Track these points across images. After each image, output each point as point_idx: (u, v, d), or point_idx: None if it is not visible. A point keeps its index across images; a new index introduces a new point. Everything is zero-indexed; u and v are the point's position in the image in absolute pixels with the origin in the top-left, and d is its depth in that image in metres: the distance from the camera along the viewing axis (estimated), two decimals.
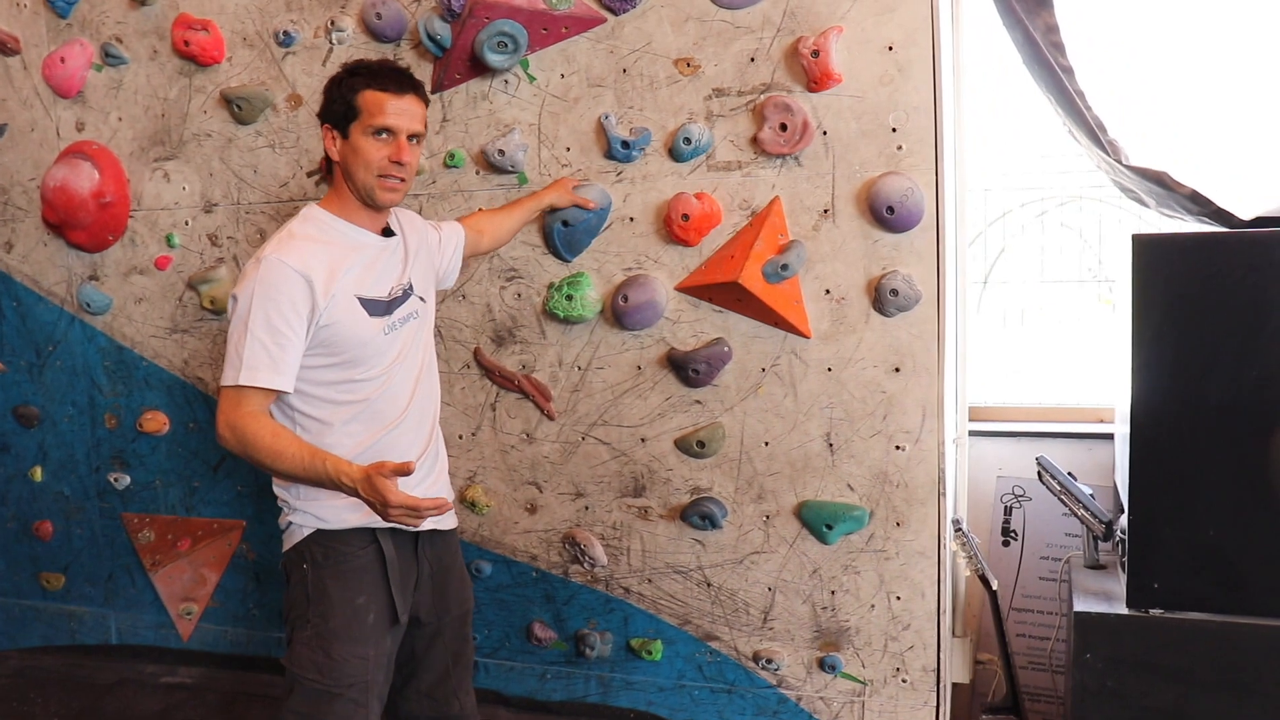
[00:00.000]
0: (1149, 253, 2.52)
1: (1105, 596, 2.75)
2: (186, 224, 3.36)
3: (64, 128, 3.48)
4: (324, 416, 2.21)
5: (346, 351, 2.18)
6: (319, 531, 2.24)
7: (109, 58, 3.35)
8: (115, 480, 3.64)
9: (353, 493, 1.98)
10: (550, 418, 3.01)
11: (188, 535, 3.59)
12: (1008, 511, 3.33)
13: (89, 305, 3.52)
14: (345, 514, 2.21)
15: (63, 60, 3.39)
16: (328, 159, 2.26)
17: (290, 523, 2.27)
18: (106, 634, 3.81)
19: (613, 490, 3.00)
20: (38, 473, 3.77)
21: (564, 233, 2.86)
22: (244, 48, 3.19)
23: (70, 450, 3.70)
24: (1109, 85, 3.07)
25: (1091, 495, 2.94)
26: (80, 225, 3.41)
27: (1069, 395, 3.55)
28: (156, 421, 3.52)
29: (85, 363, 3.61)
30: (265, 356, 2.07)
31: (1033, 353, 3.77)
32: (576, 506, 3.05)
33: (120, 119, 3.39)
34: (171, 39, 3.24)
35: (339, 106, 2.20)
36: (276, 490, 2.30)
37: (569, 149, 2.87)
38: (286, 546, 2.29)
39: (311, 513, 2.23)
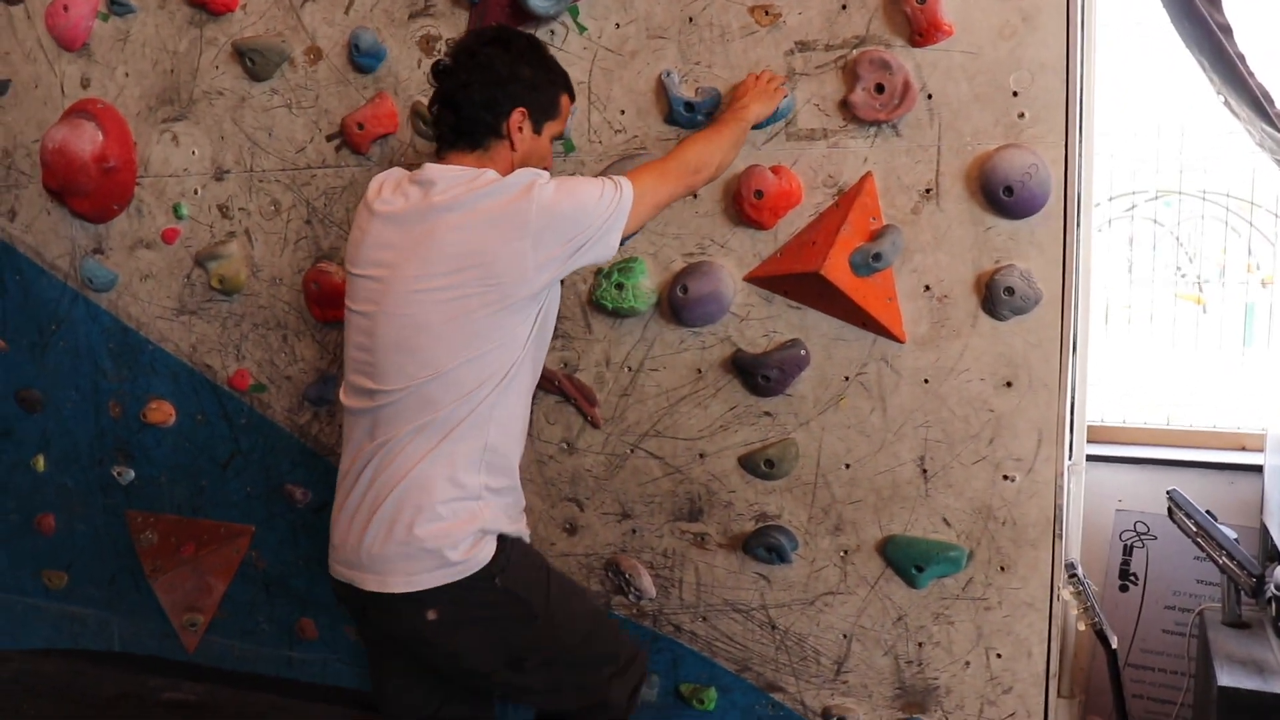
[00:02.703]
0: None
1: (1257, 668, 2.41)
2: (196, 193, 3.10)
3: (69, 84, 3.25)
4: (523, 388, 2.14)
5: (547, 306, 2.15)
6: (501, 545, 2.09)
7: (115, 5, 3.09)
8: (119, 474, 3.42)
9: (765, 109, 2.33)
10: (595, 425, 2.72)
11: (192, 539, 3.37)
12: (1128, 551, 2.99)
13: (92, 281, 3.28)
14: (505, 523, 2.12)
15: (66, 8, 3.14)
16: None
17: (450, 560, 2.01)
18: (110, 640, 3.62)
19: (665, 512, 2.70)
20: (40, 462, 3.58)
21: None
22: None
23: (73, 439, 3.49)
24: (1272, 49, 2.67)
25: (1236, 539, 2.55)
26: (82, 192, 3.16)
27: (1198, 415, 3.18)
28: (162, 412, 3.29)
29: (89, 344, 3.38)
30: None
31: (1129, 359, 3.43)
32: (622, 529, 2.76)
33: (127, 75, 3.14)
34: None
35: (546, 98, 2.17)
36: (434, 541, 2.00)
37: (623, 112, 2.57)
38: (446, 583, 2.01)
39: (491, 530, 2.07)
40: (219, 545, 3.33)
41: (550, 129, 2.19)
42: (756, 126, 2.38)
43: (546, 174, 2.05)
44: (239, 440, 3.19)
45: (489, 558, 2.03)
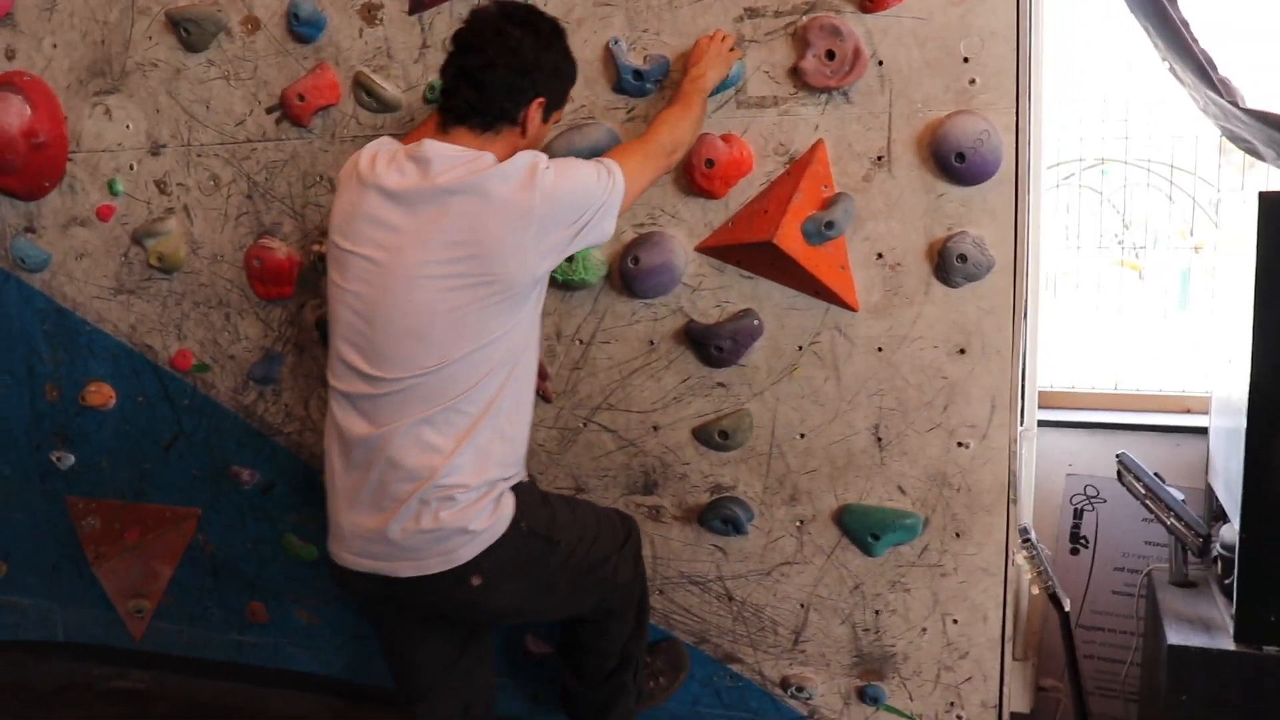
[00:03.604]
0: (1279, 214, 2.17)
1: (1203, 626, 2.44)
2: (131, 168, 3.00)
3: None
4: (531, 371, 2.18)
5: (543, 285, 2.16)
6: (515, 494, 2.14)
7: None
8: (58, 460, 3.32)
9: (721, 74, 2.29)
10: (547, 399, 2.68)
11: (136, 524, 3.28)
12: (1078, 515, 3.02)
13: (24, 261, 3.17)
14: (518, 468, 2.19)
15: None
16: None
17: (479, 532, 2.06)
18: (52, 630, 3.52)
19: (619, 486, 2.67)
20: None
21: None
22: None
23: (8, 425, 3.37)
24: (1215, 16, 2.68)
25: (1183, 500, 2.59)
26: (10, 169, 3.04)
27: (1145, 379, 3.21)
28: (101, 394, 3.19)
29: (22, 326, 3.26)
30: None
31: (1075, 325, 3.46)
32: None
33: (55, 46, 3.02)
34: None
35: (563, 89, 2.20)
36: (463, 519, 2.03)
37: None
38: (484, 548, 2.06)
39: (506, 489, 2.12)
40: (164, 529, 3.25)
41: (554, 117, 2.20)
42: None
43: (545, 156, 2.03)
44: (182, 422, 3.11)
45: (511, 512, 2.09)
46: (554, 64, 2.11)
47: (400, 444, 2.01)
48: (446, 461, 2.00)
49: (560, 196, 1.98)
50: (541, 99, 2.09)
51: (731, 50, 2.33)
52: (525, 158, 2.00)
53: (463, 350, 1.98)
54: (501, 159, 2.02)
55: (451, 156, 1.99)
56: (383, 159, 2.06)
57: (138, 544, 3.28)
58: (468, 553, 2.04)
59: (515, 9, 2.12)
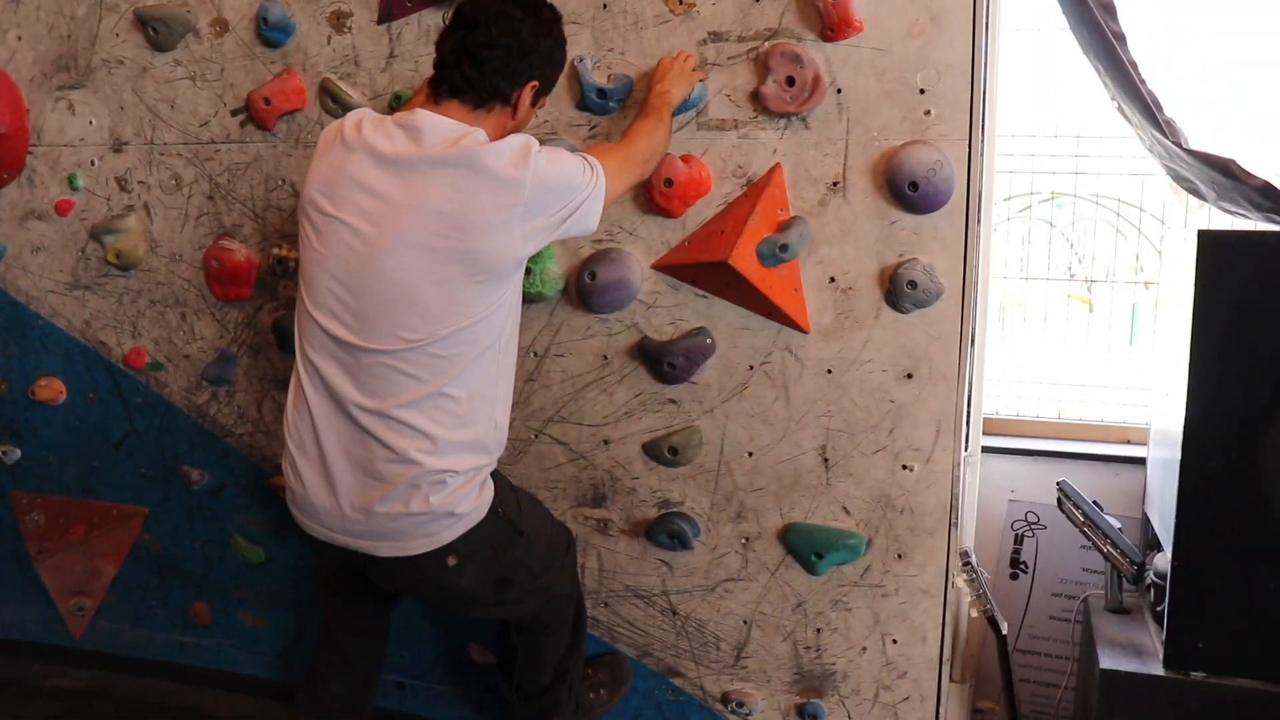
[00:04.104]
0: (1217, 252, 2.25)
1: (1135, 651, 2.48)
2: (93, 164, 2.97)
3: None
4: (514, 353, 2.20)
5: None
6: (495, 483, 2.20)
7: None
8: (4, 453, 3.27)
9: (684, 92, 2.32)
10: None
11: (82, 521, 3.24)
12: (1019, 540, 3.05)
13: None
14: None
15: None
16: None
17: (463, 514, 2.10)
18: None
19: (568, 498, 2.68)
20: None
21: None
22: None
23: None
24: (1163, 58, 2.75)
25: (1120, 529, 2.64)
26: None
27: (1087, 409, 3.27)
28: (52, 389, 3.16)
29: None
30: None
31: (1023, 355, 3.51)
32: None
33: (20, 38, 2.99)
34: None
35: (555, 75, 2.20)
36: (449, 503, 2.06)
37: None
38: (464, 531, 2.10)
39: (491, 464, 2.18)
40: (110, 527, 3.22)
41: (541, 102, 2.23)
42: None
43: (536, 141, 2.03)
44: (133, 420, 3.08)
45: (491, 496, 2.14)
46: (550, 49, 2.12)
47: (392, 426, 2.00)
48: (439, 448, 2.01)
49: (550, 182, 1.99)
50: (535, 82, 2.09)
51: (694, 70, 2.36)
52: (518, 139, 2.00)
53: (449, 326, 1.97)
54: (492, 138, 2.02)
55: (445, 128, 1.99)
56: (369, 124, 2.04)
57: (82, 541, 3.24)
58: (450, 535, 2.06)
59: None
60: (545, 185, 1.98)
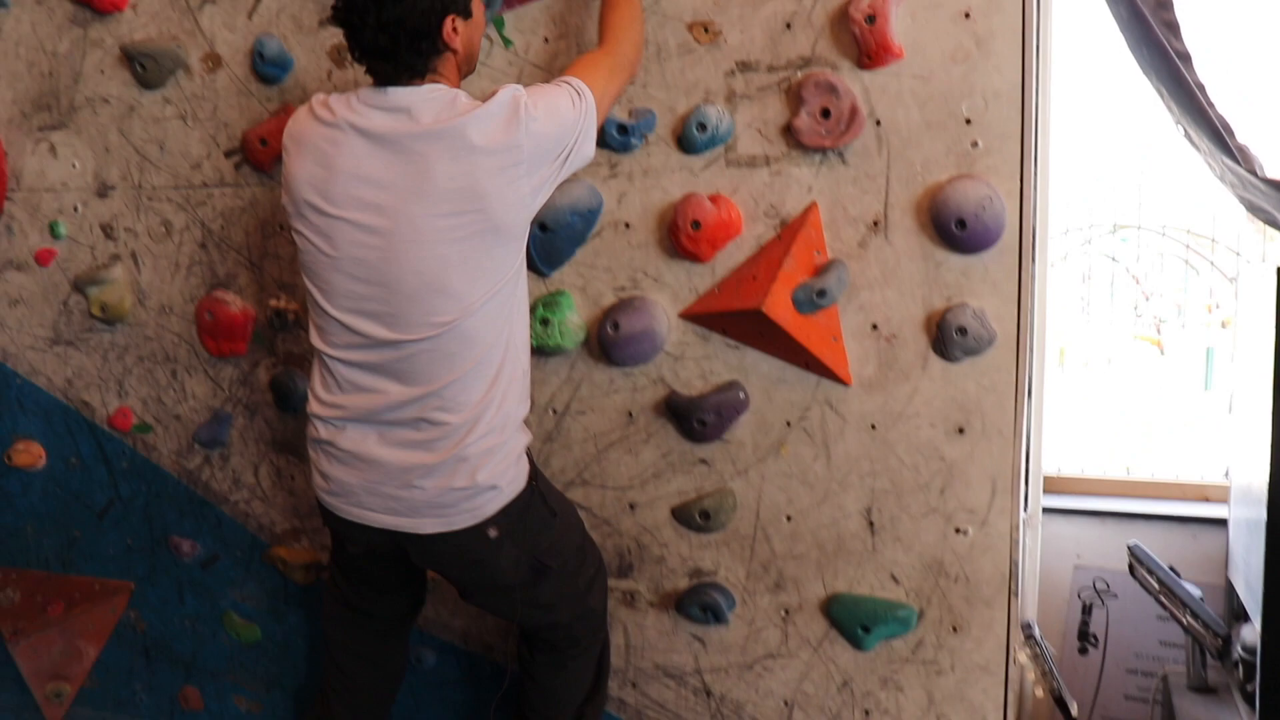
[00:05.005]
0: None
1: None
2: (76, 210, 3.06)
3: None
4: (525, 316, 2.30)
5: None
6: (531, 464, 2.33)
7: None
8: None
9: None
10: None
11: (61, 597, 3.29)
12: (1087, 610, 3.03)
13: None
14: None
15: None
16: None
17: (505, 488, 2.24)
18: None
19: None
20: None
21: (541, 239, 2.58)
22: None
23: None
24: (1234, 79, 2.78)
25: (1200, 598, 2.62)
26: None
27: (1160, 464, 3.26)
28: (30, 454, 3.23)
29: None
30: None
31: (1086, 404, 3.51)
32: None
33: None
34: None
35: None
36: (494, 475, 2.20)
37: None
38: (505, 504, 2.24)
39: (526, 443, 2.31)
40: (92, 604, 3.27)
41: (476, 4, 2.23)
42: None
43: (523, 91, 2.10)
44: (119, 486, 3.14)
45: (527, 470, 2.30)
46: None
47: (438, 405, 2.14)
48: (483, 419, 2.15)
49: (545, 132, 2.09)
50: (450, 14, 2.12)
51: None
52: (504, 95, 2.08)
53: (480, 299, 2.10)
54: (454, 83, 2.16)
55: (428, 98, 2.08)
56: (338, 103, 2.13)
57: (61, 619, 3.29)
58: (493, 507, 2.21)
59: None
60: (542, 137, 2.09)
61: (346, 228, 2.10)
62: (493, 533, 2.22)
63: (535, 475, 2.33)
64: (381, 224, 2.07)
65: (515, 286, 2.20)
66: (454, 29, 2.13)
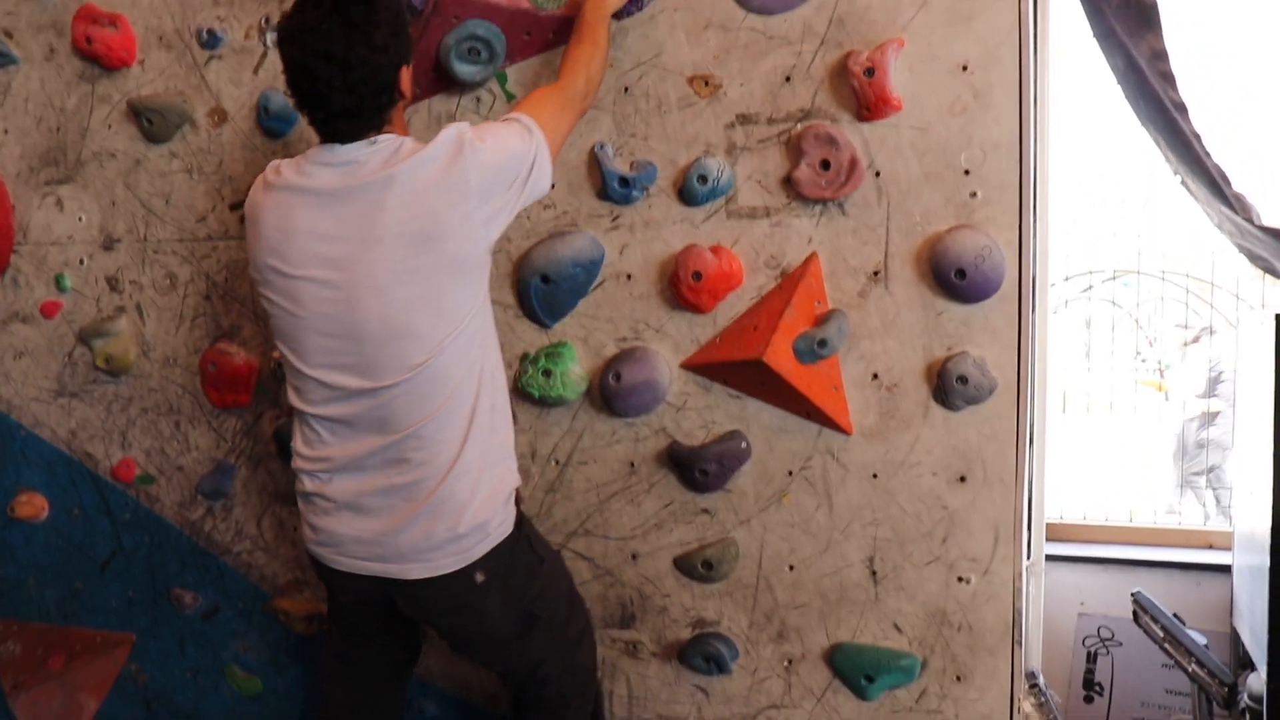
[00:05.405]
0: None
1: None
2: (81, 263, 3.08)
3: None
4: (494, 330, 2.32)
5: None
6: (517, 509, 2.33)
7: None
8: None
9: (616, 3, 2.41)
10: None
11: (62, 650, 3.28)
12: (1091, 658, 3.03)
13: None
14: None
15: None
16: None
17: (492, 530, 2.24)
18: None
19: (594, 619, 2.69)
20: None
21: (543, 291, 2.61)
22: (159, 49, 2.92)
23: None
24: (1228, 127, 2.82)
25: (1206, 645, 2.61)
26: None
27: (1160, 510, 3.27)
28: (33, 505, 3.22)
29: None
30: None
31: (1086, 447, 3.52)
32: None
33: (6, 131, 3.12)
34: (72, 34, 2.97)
35: (407, 32, 2.20)
36: (480, 515, 2.21)
37: (553, 186, 2.57)
38: (492, 547, 2.24)
39: (513, 488, 2.31)
40: (94, 657, 3.26)
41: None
42: (615, 16, 2.45)
43: (468, 127, 2.13)
44: (121, 538, 3.15)
45: (514, 515, 2.29)
46: (385, 37, 2.10)
47: (418, 446, 2.14)
48: (468, 455, 2.16)
49: (492, 164, 2.10)
50: (402, 65, 2.15)
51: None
52: (450, 134, 2.11)
53: (446, 337, 2.11)
54: (398, 129, 2.19)
55: (375, 150, 2.11)
56: (288, 168, 2.17)
57: (62, 672, 3.27)
58: (479, 550, 2.20)
59: (310, 13, 2.10)
60: (488, 170, 2.10)
61: (309, 286, 2.12)
62: (479, 577, 2.21)
63: (522, 520, 2.33)
64: (341, 277, 2.09)
65: (482, 320, 2.21)
66: (406, 76, 2.19)
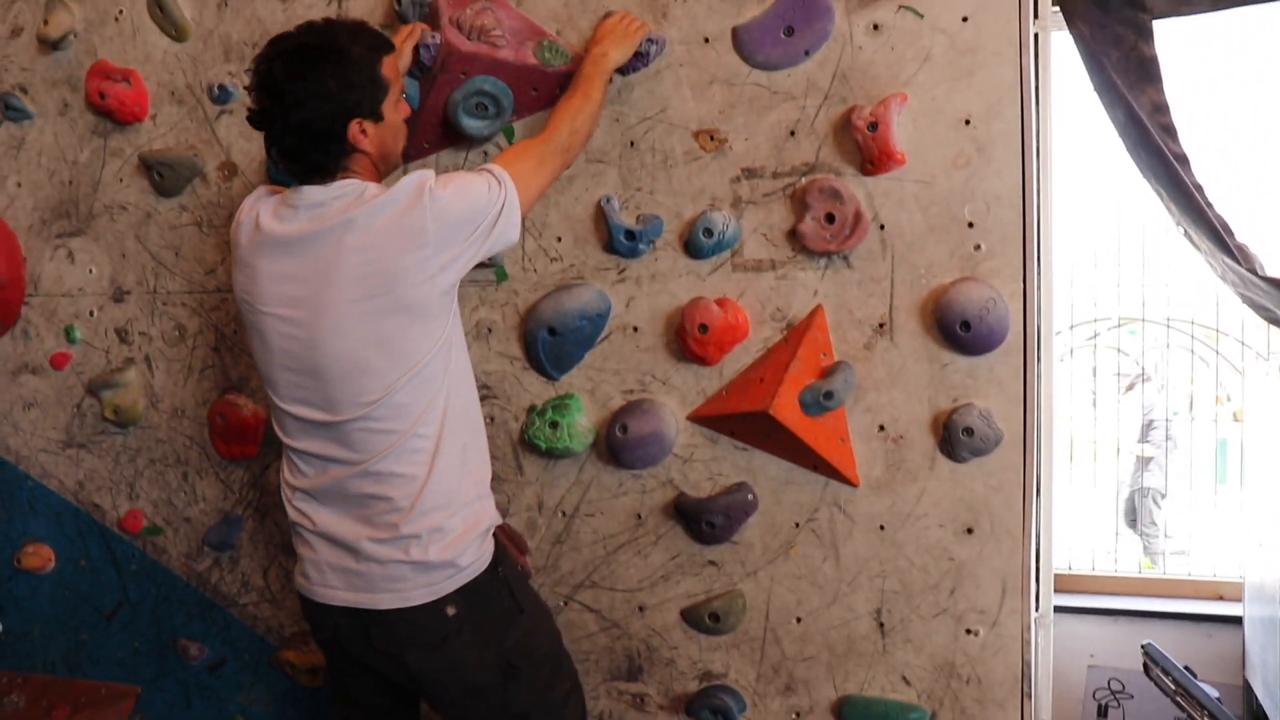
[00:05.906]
0: None
1: None
2: (91, 314, 3.10)
3: None
4: (467, 372, 2.32)
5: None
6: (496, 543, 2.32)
7: (10, 111, 3.13)
8: None
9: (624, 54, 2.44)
10: (525, 574, 2.65)
11: (67, 702, 3.25)
12: (1102, 711, 3.01)
13: None
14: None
15: None
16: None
17: (464, 564, 2.23)
18: None
19: (601, 671, 2.71)
20: None
21: (550, 343, 2.61)
22: (171, 104, 2.96)
23: None
24: (1231, 178, 2.84)
25: (1218, 698, 2.59)
26: None
27: (1172, 561, 3.26)
28: (39, 557, 3.23)
29: None
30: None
31: (1092, 499, 3.52)
32: None
33: (19, 185, 3.16)
34: (85, 90, 3.02)
35: (369, 90, 2.17)
36: (451, 550, 2.20)
37: (560, 239, 2.64)
38: (465, 583, 2.22)
39: (489, 526, 2.30)
40: (98, 709, 3.22)
41: (390, 103, 2.20)
42: (620, 72, 2.48)
43: (432, 174, 2.15)
44: (128, 589, 3.15)
45: (491, 552, 2.26)
46: (334, 89, 2.11)
47: (380, 479, 2.16)
48: (427, 491, 2.16)
49: (452, 213, 2.11)
50: (355, 118, 2.13)
51: (637, 30, 2.48)
52: (412, 180, 2.12)
53: (404, 375, 2.12)
54: (370, 175, 2.20)
55: (338, 193, 2.13)
56: (266, 207, 2.21)
57: None
58: (451, 585, 2.19)
59: (272, 59, 2.13)
60: (447, 218, 2.10)
61: (274, 322, 2.17)
62: (450, 610, 2.20)
63: (500, 561, 2.30)
64: (302, 316, 2.13)
65: (446, 361, 2.20)
66: (361, 131, 2.15)
